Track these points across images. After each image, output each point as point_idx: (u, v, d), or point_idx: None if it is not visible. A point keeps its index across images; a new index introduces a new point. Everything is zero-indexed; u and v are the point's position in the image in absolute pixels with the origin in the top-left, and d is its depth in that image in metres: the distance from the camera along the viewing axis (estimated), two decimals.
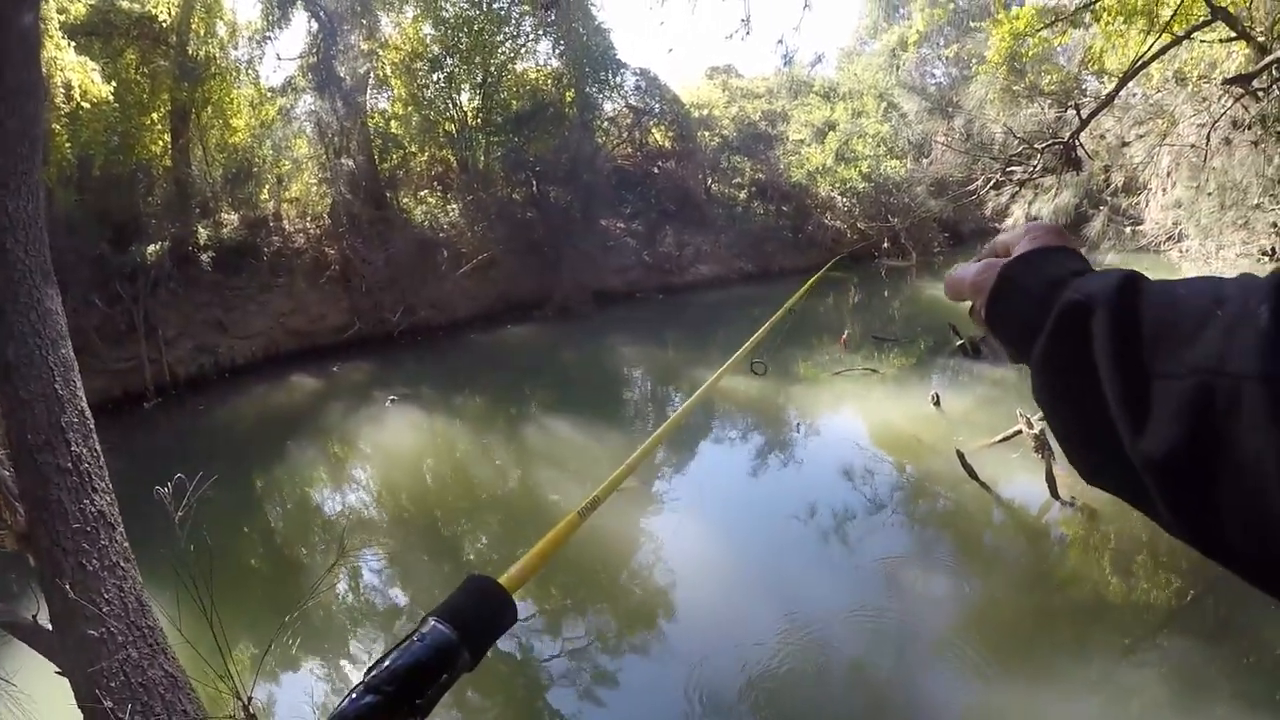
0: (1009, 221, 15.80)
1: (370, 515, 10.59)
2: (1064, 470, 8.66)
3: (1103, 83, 15.19)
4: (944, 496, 9.35)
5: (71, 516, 3.32)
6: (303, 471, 12.07)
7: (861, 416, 12.51)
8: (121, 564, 3.35)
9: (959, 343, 14.59)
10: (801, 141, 29.14)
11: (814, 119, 29.81)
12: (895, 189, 26.79)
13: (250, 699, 2.69)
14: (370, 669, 0.58)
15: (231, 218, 19.10)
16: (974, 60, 24.61)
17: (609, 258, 23.50)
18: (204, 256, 17.16)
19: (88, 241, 14.86)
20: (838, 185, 27.12)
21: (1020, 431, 9.25)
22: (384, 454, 12.67)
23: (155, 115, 18.42)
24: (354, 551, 9.10)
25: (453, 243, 21.13)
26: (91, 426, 3.66)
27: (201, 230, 17.80)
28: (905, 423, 11.54)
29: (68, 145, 15.62)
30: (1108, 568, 7.52)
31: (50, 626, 3.66)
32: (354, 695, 0.56)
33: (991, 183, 15.50)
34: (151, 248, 16.35)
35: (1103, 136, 15.99)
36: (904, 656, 6.54)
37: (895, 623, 6.97)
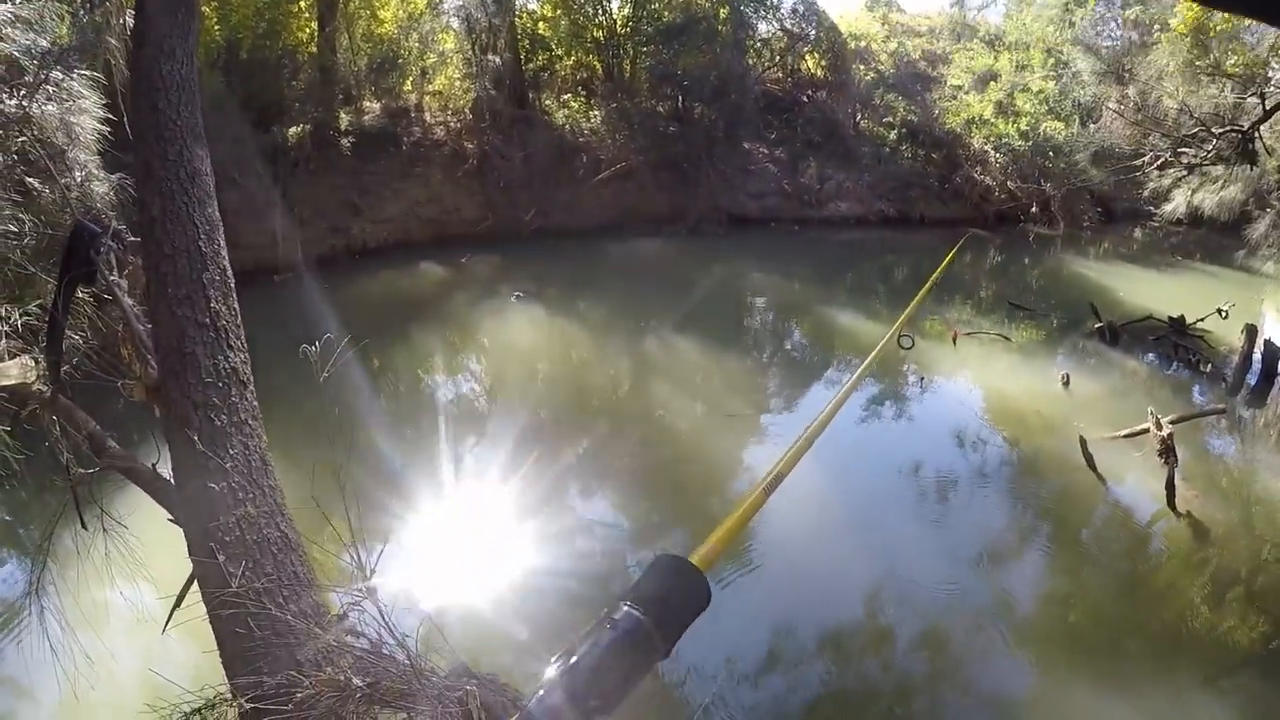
0: (1168, 208, 14.88)
1: (481, 406, 10.79)
2: (1184, 481, 8.24)
3: None
4: (1052, 481, 8.90)
5: (205, 371, 3.37)
6: (423, 356, 12.35)
7: (983, 382, 12.01)
8: (250, 422, 3.42)
9: (1098, 325, 13.85)
10: (960, 88, 27.87)
11: (975, 66, 28.46)
12: (1054, 152, 25.43)
13: (373, 570, 2.71)
14: (559, 658, 0.49)
15: (373, 106, 19.46)
16: (1155, 26, 23.02)
17: (748, 182, 23.07)
18: (344, 141, 17.62)
19: (231, 121, 15.28)
20: (993, 139, 25.92)
21: (1147, 430, 8.77)
22: (504, 348, 12.92)
23: (303, 3, 18.77)
24: (461, 444, 9.31)
25: (592, 149, 21.08)
26: (232, 286, 3.71)
27: (343, 116, 18.25)
28: (1027, 397, 11.05)
29: (217, 28, 16.16)
30: (1202, 594, 7.03)
31: (170, 477, 3.78)
32: (541, 693, 0.47)
33: (1159, 161, 14.62)
34: (293, 130, 16.89)
35: None
36: (979, 633, 6.36)
37: (978, 597, 6.80)
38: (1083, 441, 8.69)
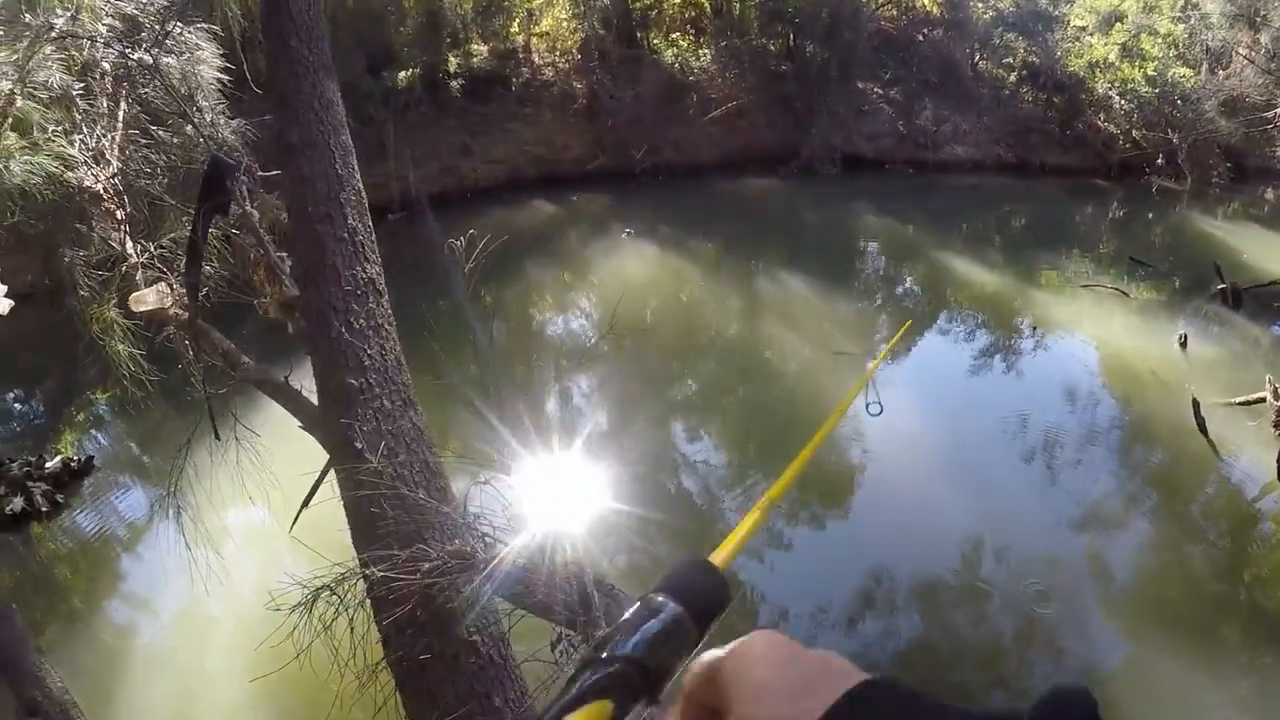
0: None
1: (591, 341, 11.02)
2: None
3: None
4: (1162, 444, 8.67)
5: (344, 280, 3.65)
6: (537, 290, 12.64)
7: (1097, 339, 11.62)
8: (385, 326, 3.70)
9: (1220, 287, 13.14)
10: (1083, 29, 26.58)
11: (1100, 6, 27.06)
12: (1181, 100, 24.13)
13: (503, 459, 2.93)
14: (599, 645, 0.49)
15: (481, 49, 19.70)
16: None
17: (861, 123, 22.50)
18: (453, 84, 18.04)
19: (343, 68, 15.56)
20: (1117, 84, 24.79)
21: (1264, 399, 8.43)
22: (615, 284, 13.15)
23: None
24: (569, 375, 9.54)
25: (702, 87, 20.87)
26: (366, 205, 3.97)
27: (452, 59, 18.60)
28: (1141, 357, 10.70)
29: None
30: None
31: (300, 387, 4.10)
32: (588, 672, 0.46)
33: None
34: (402, 74, 17.36)
35: None
36: (1075, 597, 6.34)
37: (1077, 561, 6.75)
38: (1195, 404, 8.38)
